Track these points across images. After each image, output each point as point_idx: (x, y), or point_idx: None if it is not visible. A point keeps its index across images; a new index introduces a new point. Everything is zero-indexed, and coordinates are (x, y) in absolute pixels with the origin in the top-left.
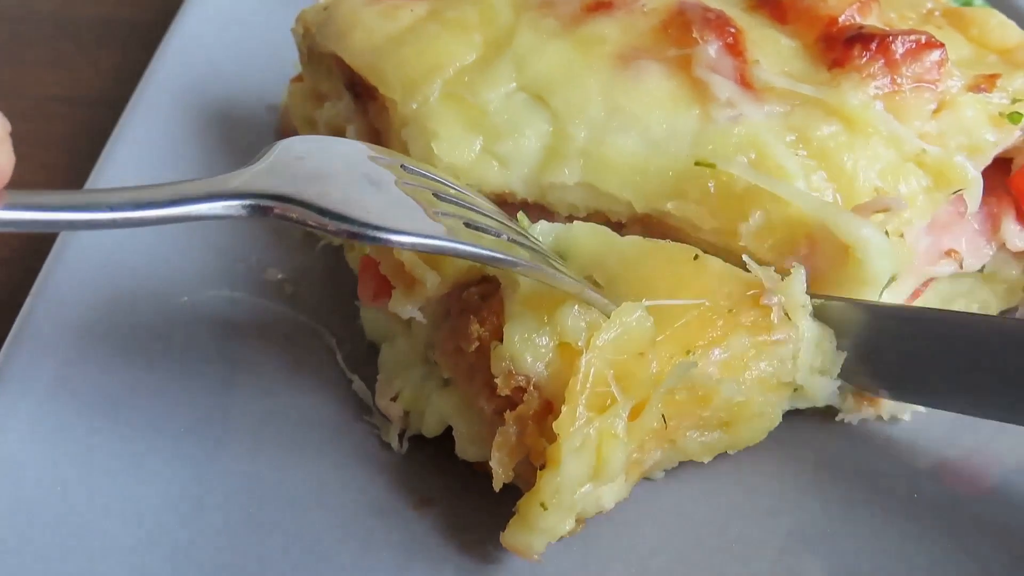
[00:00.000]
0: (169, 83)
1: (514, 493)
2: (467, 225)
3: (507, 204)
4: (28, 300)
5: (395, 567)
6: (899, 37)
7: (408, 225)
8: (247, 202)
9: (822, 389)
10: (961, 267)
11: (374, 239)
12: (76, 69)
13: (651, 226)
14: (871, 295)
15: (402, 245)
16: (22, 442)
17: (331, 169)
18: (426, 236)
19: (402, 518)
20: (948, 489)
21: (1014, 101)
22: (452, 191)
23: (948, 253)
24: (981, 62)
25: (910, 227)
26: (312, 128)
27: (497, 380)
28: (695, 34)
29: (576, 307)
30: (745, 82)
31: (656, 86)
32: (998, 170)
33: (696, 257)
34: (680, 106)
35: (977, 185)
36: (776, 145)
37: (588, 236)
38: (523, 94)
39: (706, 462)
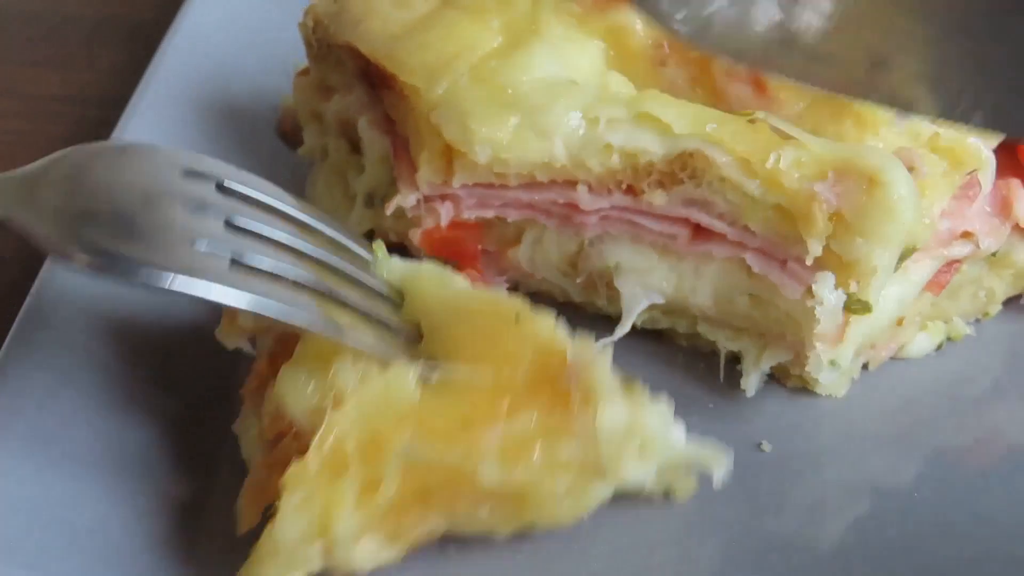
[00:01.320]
0: (170, 83)
1: None
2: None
3: (538, 187)
4: (28, 300)
5: None
6: None
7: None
8: None
9: (639, 476)
10: (979, 247)
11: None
12: (76, 69)
13: (674, 182)
14: (893, 231)
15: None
16: (22, 442)
17: (104, 182)
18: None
19: None
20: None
21: None
22: (265, 219)
23: (964, 235)
24: None
25: (929, 210)
26: (318, 122)
27: (264, 421)
28: None
29: (353, 359)
30: (759, 84)
31: (685, 98)
32: (1004, 150)
33: (517, 318)
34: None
35: (990, 164)
36: None
37: (429, 280)
38: (560, 77)
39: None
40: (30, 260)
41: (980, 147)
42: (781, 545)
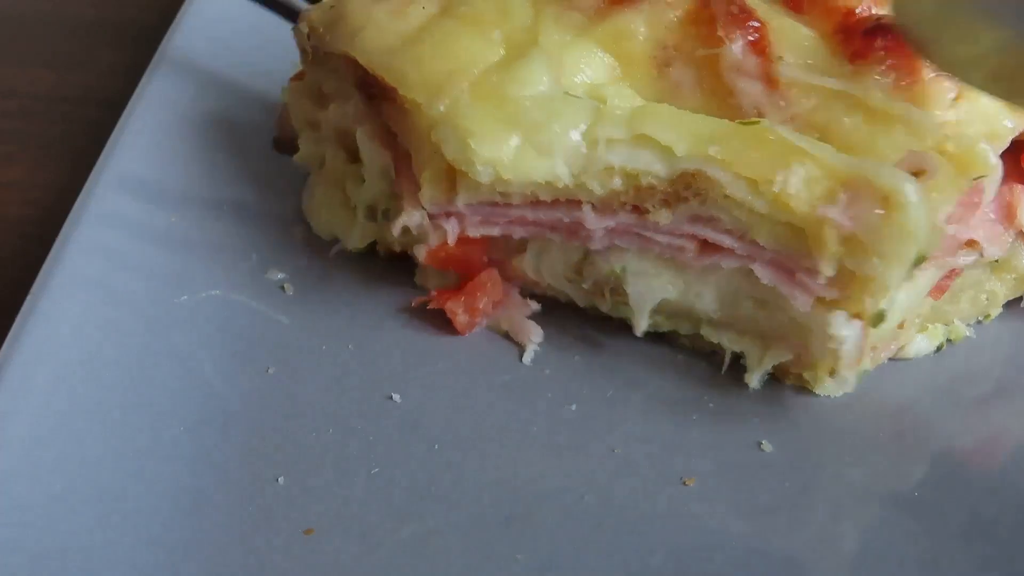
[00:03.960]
0: (169, 83)
1: None
2: None
3: (542, 205)
4: (28, 300)
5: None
6: None
7: None
8: None
9: None
10: (983, 255)
11: None
12: (76, 69)
13: (679, 200)
14: (909, 251)
15: None
16: (21, 442)
17: None
18: None
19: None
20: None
21: None
22: None
23: (968, 244)
24: None
25: (935, 216)
26: (315, 131)
27: None
28: (720, 32)
29: None
30: (770, 80)
31: (692, 99)
32: (1008, 156)
33: None
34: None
35: (997, 171)
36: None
37: None
38: (559, 91)
39: None
40: (30, 260)
41: (988, 153)
42: (780, 545)
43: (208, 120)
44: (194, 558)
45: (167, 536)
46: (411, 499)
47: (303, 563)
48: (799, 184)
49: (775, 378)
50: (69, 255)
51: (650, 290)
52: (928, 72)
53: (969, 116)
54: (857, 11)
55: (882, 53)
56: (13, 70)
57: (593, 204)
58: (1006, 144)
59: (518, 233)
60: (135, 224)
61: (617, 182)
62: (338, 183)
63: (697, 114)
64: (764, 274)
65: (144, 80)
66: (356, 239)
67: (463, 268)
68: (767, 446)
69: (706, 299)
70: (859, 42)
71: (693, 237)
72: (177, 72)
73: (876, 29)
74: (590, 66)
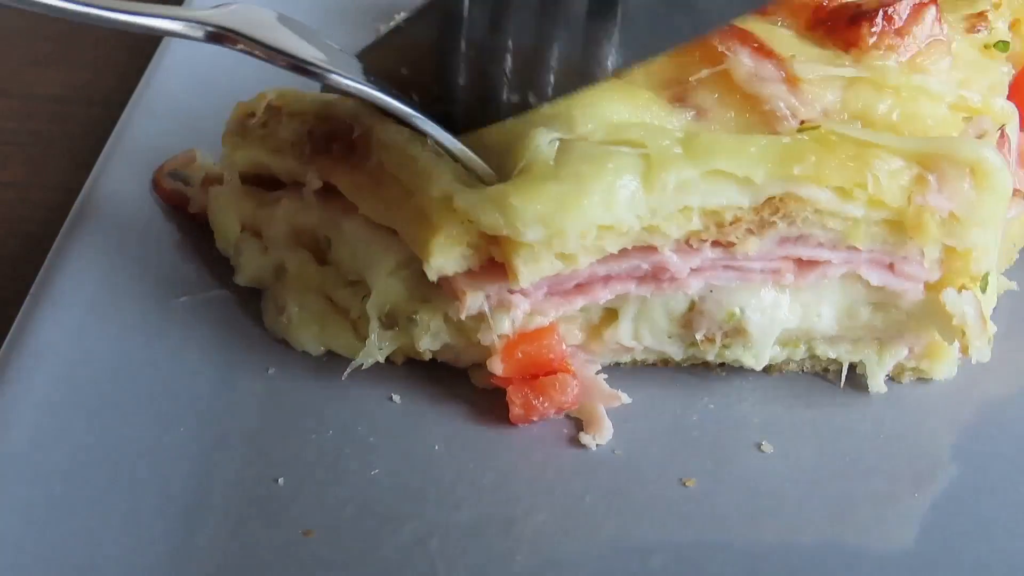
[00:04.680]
0: (169, 83)
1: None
2: None
3: (612, 259)
4: (28, 300)
5: None
6: (895, 5)
7: (349, 72)
8: (208, 28)
9: None
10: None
11: (317, 75)
12: (76, 69)
13: (766, 226)
14: (1001, 213)
15: (343, 87)
16: (22, 442)
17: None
18: (364, 84)
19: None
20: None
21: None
22: None
23: (1015, 193)
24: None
25: None
26: (257, 238)
27: None
28: (720, 47)
29: None
30: (791, 79)
31: (723, 120)
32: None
33: None
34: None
35: (1015, 117)
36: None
37: None
38: (590, 141)
39: None
40: (30, 260)
41: (1002, 102)
42: (780, 545)
43: (208, 120)
44: (194, 558)
45: (167, 536)
46: (411, 499)
47: (303, 564)
48: (887, 179)
49: (774, 373)
50: (69, 255)
51: (772, 323)
52: (921, 42)
53: (968, 73)
54: (824, 2)
55: (874, 36)
56: (13, 70)
57: (666, 247)
58: (1006, 91)
59: (602, 296)
60: (135, 224)
61: (696, 221)
62: (314, 290)
63: (750, 136)
64: (872, 276)
65: (144, 80)
66: (373, 353)
67: (546, 365)
68: (767, 446)
69: (825, 318)
70: (847, 30)
71: (787, 258)
72: (177, 72)
73: (860, 16)
74: (602, 114)
